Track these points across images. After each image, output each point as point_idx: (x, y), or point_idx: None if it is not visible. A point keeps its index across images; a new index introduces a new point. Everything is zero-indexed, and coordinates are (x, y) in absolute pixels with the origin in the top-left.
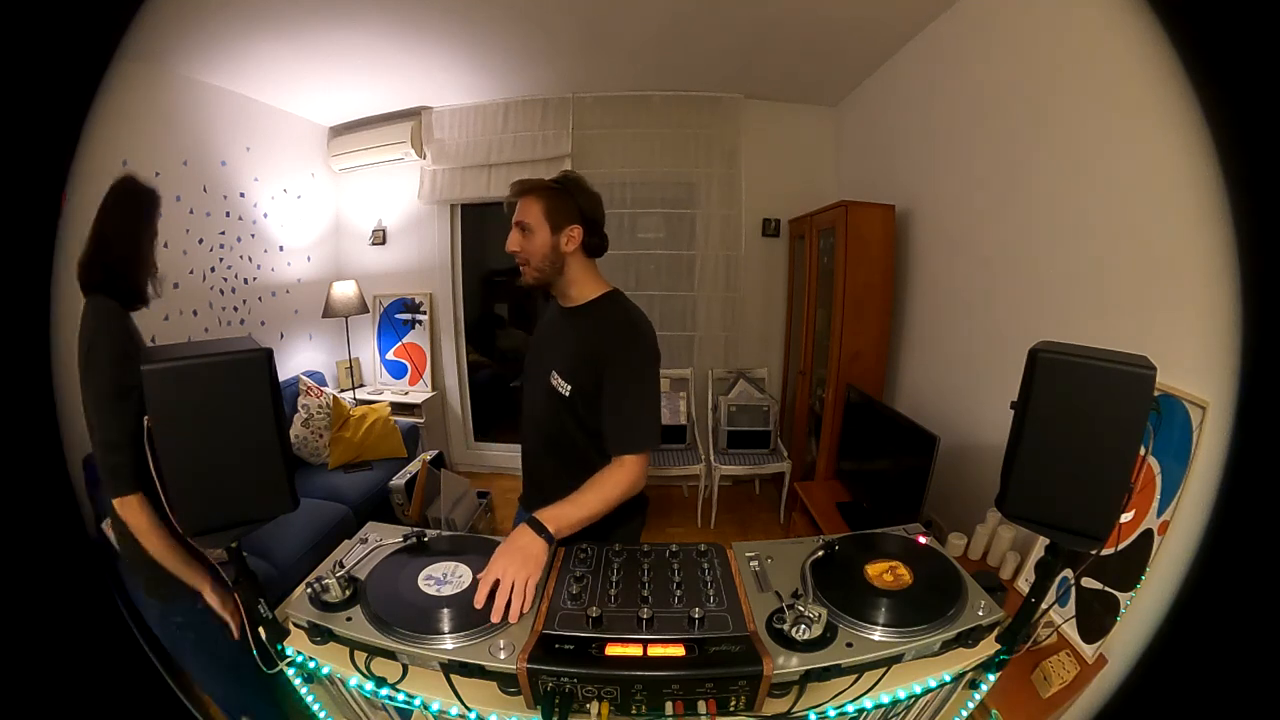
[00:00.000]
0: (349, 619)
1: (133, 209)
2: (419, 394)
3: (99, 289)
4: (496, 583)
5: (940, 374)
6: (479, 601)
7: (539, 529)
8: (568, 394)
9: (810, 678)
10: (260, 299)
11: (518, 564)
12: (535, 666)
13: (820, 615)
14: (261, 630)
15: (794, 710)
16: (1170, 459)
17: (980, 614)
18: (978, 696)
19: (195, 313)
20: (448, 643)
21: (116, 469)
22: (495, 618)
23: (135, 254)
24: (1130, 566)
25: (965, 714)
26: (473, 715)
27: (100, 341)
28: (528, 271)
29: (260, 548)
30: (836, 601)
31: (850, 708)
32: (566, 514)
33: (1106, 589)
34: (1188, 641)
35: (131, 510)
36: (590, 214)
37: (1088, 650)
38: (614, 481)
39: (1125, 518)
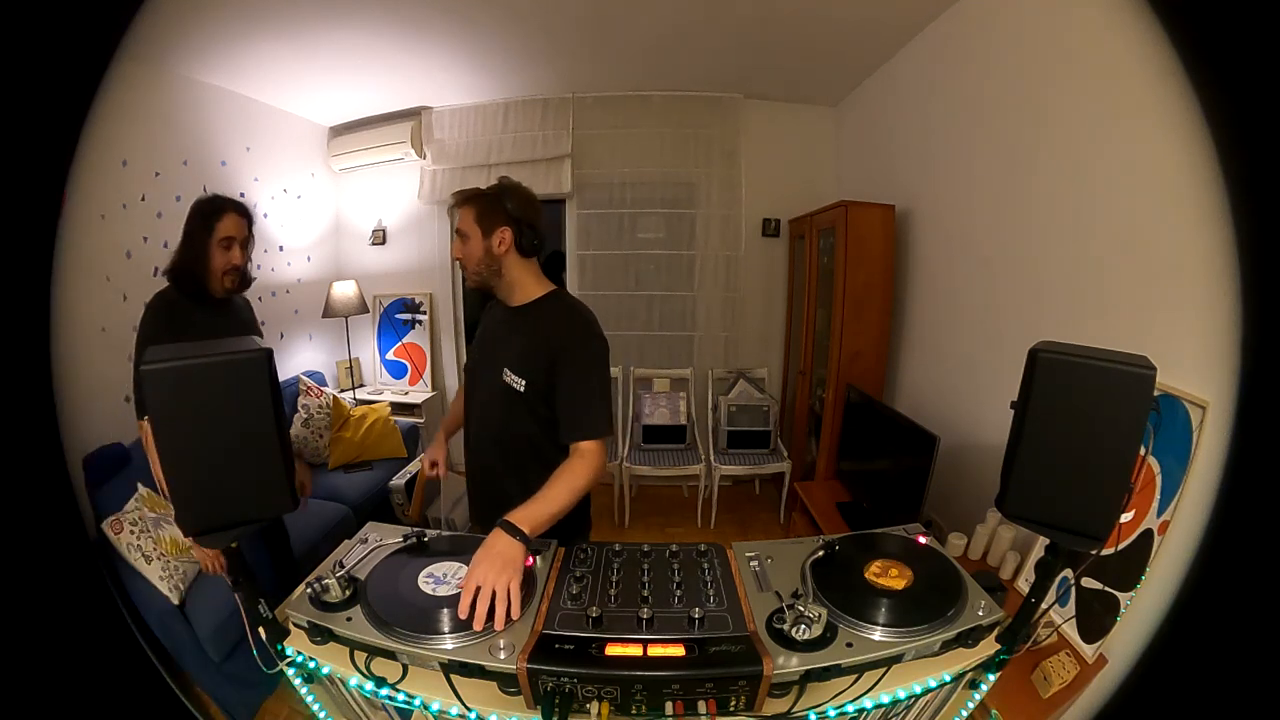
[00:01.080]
0: (349, 619)
1: (193, 221)
2: (419, 394)
3: (168, 280)
4: (478, 591)
5: (940, 374)
6: (462, 612)
7: (513, 531)
8: (522, 389)
9: (810, 678)
10: (260, 299)
11: (496, 570)
12: (535, 666)
13: (820, 615)
14: (261, 630)
15: (794, 710)
16: (1170, 459)
17: (980, 614)
18: (978, 696)
19: None
20: (448, 643)
21: (138, 399)
22: (478, 626)
23: (193, 258)
24: (1130, 566)
25: (965, 714)
26: (473, 715)
27: (146, 315)
28: (469, 275)
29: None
30: (836, 601)
31: (850, 708)
32: (537, 512)
33: (1106, 589)
34: (1188, 641)
35: (145, 432)
36: (519, 215)
37: (1088, 650)
38: (578, 472)
39: (1125, 518)
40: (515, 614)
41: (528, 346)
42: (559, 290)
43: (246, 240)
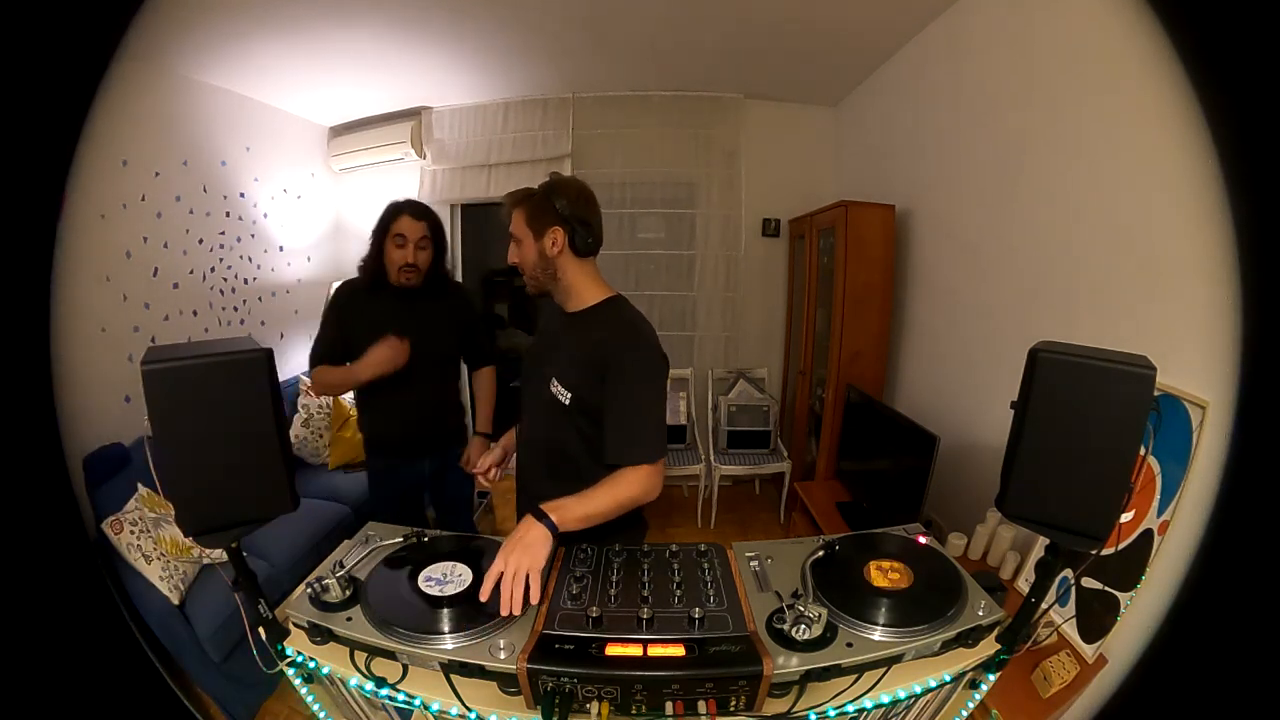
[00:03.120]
0: (349, 619)
1: (377, 222)
2: None
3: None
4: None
5: (940, 374)
6: (484, 595)
7: (541, 517)
8: (568, 402)
9: (810, 678)
10: (260, 299)
11: (519, 553)
12: (535, 666)
13: (820, 615)
14: (261, 630)
15: (794, 710)
16: (1170, 459)
17: (980, 614)
18: (978, 696)
19: (195, 313)
20: (448, 643)
21: (313, 354)
22: (504, 611)
23: (372, 254)
24: (1130, 566)
25: (965, 714)
26: (473, 715)
27: (331, 298)
28: (527, 281)
29: (260, 548)
30: (836, 601)
31: (850, 708)
32: (572, 505)
33: (1106, 589)
34: (1188, 641)
35: (317, 376)
36: (571, 214)
37: (1088, 650)
38: (627, 483)
39: (1125, 518)
40: (535, 597)
41: (577, 357)
42: (618, 297)
43: (423, 240)
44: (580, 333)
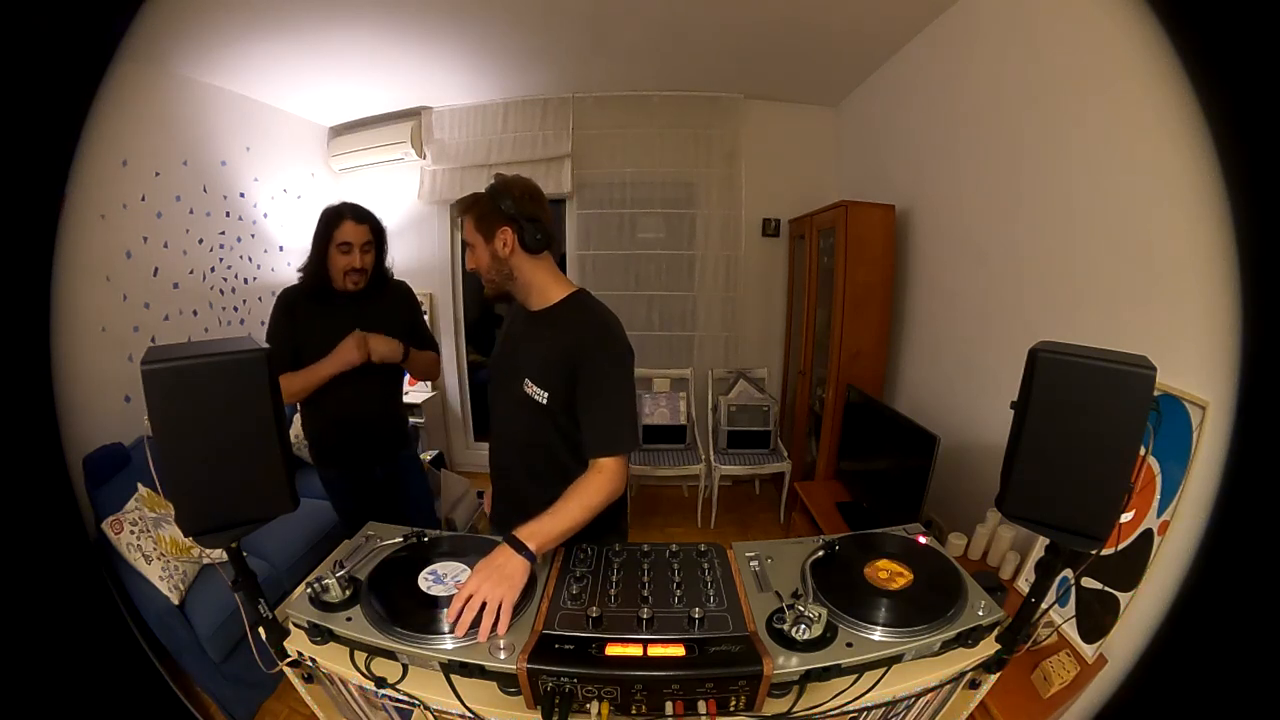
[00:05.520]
0: (349, 619)
1: (317, 226)
2: (419, 394)
3: (300, 278)
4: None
5: (940, 374)
6: (450, 615)
7: (519, 547)
8: (545, 401)
9: (810, 678)
10: (260, 299)
11: (493, 583)
12: (535, 666)
13: (820, 615)
14: (261, 630)
15: (794, 710)
16: (1170, 459)
17: (980, 614)
18: (978, 696)
19: (195, 313)
20: (448, 643)
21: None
22: (459, 632)
23: (316, 260)
24: (1130, 566)
25: (965, 714)
26: (473, 716)
27: (278, 306)
28: (485, 285)
29: (260, 548)
30: (836, 601)
31: (850, 708)
32: (547, 528)
33: (1106, 589)
34: (1188, 641)
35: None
36: (516, 212)
37: (1088, 650)
38: (595, 488)
39: (1125, 518)
40: (502, 630)
41: (549, 356)
42: (581, 292)
43: (367, 244)
44: (549, 331)
